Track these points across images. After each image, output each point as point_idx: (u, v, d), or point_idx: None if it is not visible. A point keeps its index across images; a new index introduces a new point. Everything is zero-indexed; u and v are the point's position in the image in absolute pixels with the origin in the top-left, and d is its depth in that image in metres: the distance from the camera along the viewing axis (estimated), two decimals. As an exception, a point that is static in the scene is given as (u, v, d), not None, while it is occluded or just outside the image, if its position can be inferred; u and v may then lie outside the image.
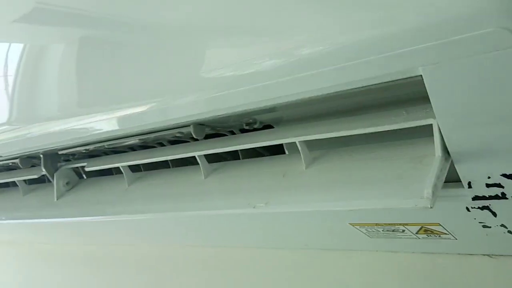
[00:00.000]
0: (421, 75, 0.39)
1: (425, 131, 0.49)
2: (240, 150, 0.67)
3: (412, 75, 0.40)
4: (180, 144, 0.69)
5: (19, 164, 0.87)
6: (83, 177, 0.89)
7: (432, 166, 0.42)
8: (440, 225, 0.53)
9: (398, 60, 0.39)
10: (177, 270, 0.89)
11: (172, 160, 0.78)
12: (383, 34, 0.38)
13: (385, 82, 0.42)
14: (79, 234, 1.05)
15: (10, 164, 0.93)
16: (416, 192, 0.42)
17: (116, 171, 0.86)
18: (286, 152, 0.62)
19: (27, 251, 1.24)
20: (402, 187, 0.44)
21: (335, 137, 0.55)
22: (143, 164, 0.79)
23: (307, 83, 0.42)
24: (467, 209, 0.50)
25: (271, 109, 0.57)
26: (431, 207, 0.40)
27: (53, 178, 0.83)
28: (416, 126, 0.47)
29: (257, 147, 0.69)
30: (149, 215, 0.69)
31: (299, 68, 0.42)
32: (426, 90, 0.42)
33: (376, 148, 0.52)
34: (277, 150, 0.65)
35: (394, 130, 0.49)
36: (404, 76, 0.40)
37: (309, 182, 0.52)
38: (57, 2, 0.63)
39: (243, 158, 0.68)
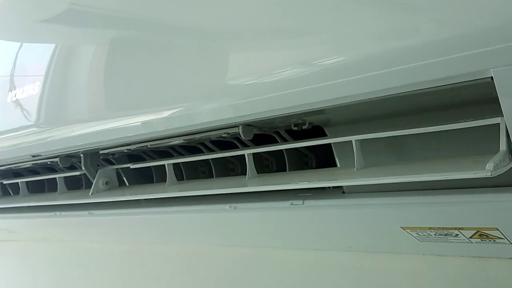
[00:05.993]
0: (491, 77, 0.39)
1: (485, 146, 0.49)
2: (288, 163, 0.67)
3: (482, 76, 0.39)
4: (228, 150, 0.69)
5: (58, 163, 0.88)
6: (124, 184, 0.89)
7: (497, 154, 0.42)
8: (498, 229, 0.52)
9: (469, 62, 0.38)
10: (212, 269, 0.89)
11: (216, 171, 0.78)
12: (456, 35, 0.38)
13: (450, 84, 0.42)
14: (108, 231, 1.06)
15: (49, 163, 0.94)
16: (478, 167, 0.42)
17: (157, 179, 0.86)
18: (338, 164, 0.61)
19: (58, 248, 1.25)
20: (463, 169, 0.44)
21: (391, 148, 0.55)
22: (186, 173, 0.79)
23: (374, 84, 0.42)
24: (528, 214, 0.49)
25: (323, 111, 0.57)
26: (491, 175, 0.40)
27: (92, 177, 0.84)
28: (478, 139, 0.49)
29: (306, 159, 0.70)
30: (185, 207, 0.72)
31: (365, 68, 0.42)
32: (488, 92, 0.42)
33: (435, 158, 0.52)
34: (327, 164, 0.64)
35: (454, 143, 0.51)
36: (473, 78, 0.40)
37: (362, 173, 0.52)
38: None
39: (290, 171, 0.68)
